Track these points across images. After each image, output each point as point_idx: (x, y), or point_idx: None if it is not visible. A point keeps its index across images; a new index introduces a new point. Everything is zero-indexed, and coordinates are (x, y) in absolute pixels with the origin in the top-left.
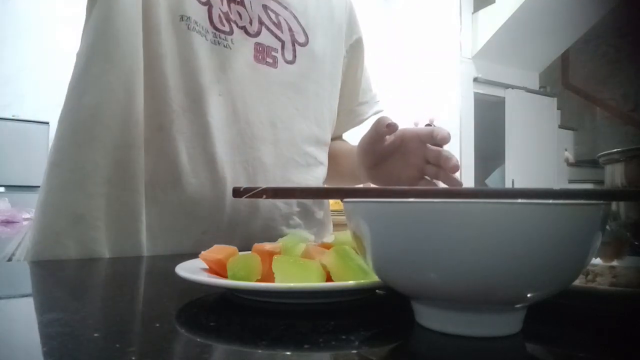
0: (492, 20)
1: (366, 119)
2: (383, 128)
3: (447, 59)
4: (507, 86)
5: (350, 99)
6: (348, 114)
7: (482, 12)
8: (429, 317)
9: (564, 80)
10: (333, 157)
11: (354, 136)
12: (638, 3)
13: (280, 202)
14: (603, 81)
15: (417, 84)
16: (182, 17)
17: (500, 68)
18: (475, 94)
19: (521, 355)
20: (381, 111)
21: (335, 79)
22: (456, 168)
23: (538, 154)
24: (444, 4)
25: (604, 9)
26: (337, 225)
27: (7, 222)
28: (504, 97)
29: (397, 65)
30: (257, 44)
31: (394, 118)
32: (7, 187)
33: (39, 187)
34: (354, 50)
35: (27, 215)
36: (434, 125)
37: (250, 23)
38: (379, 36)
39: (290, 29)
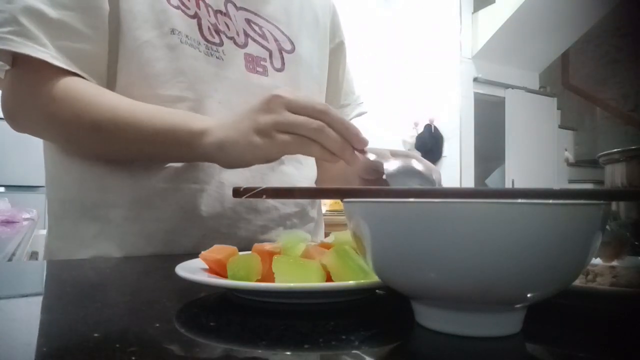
0: (492, 20)
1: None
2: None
3: (447, 59)
4: (507, 86)
5: (333, 102)
6: None
7: (482, 12)
8: (429, 317)
9: (564, 80)
10: (322, 164)
11: None
12: (638, 3)
13: (278, 204)
14: (603, 81)
15: (417, 84)
16: (172, 31)
17: (500, 68)
18: (475, 94)
19: (521, 355)
20: (364, 113)
21: (321, 83)
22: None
23: (538, 154)
24: (444, 4)
25: (604, 9)
26: (337, 225)
27: (7, 222)
28: (504, 97)
29: (397, 65)
30: (246, 54)
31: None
32: (7, 187)
33: (39, 187)
34: (336, 53)
35: (27, 215)
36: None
37: (237, 35)
38: (379, 36)
39: (275, 39)
